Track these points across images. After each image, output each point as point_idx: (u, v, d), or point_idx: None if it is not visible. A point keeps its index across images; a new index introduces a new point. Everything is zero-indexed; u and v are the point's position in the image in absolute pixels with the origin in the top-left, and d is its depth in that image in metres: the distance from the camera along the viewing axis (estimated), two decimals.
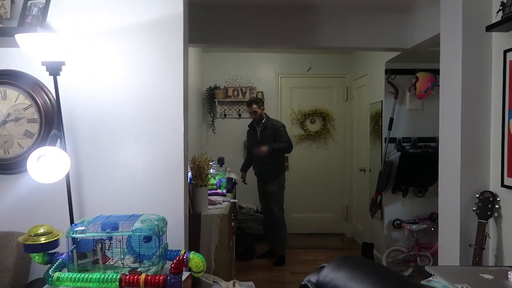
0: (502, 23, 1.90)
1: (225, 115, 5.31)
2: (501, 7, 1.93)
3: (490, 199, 2.02)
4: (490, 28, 2.00)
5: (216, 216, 2.72)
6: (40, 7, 1.87)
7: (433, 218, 3.77)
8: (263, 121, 4.28)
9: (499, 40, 2.06)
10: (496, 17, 2.03)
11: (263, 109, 4.33)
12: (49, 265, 1.57)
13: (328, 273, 0.61)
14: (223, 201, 3.14)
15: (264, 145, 4.18)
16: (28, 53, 1.70)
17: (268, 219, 4.44)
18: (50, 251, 1.61)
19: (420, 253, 3.72)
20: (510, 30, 1.95)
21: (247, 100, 4.52)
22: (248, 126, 4.51)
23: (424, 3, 3.04)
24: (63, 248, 1.59)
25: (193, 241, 2.57)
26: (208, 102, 5.27)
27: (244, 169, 4.62)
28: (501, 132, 2.03)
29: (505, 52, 1.99)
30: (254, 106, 4.26)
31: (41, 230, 1.60)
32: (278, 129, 4.28)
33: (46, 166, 1.63)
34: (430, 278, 1.29)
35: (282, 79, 5.41)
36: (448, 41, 2.28)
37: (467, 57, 2.12)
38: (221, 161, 4.40)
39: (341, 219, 5.49)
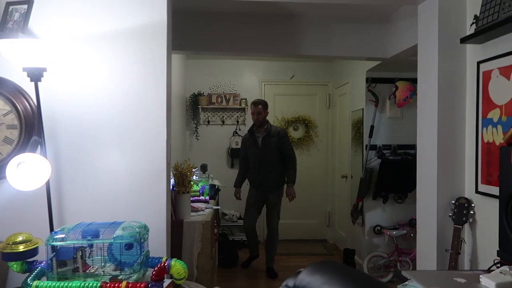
0: (476, 36, 1.98)
1: (208, 121, 5.32)
2: (475, 20, 2.01)
3: (465, 205, 2.08)
4: (464, 40, 2.08)
5: (198, 223, 2.71)
6: (22, 12, 1.86)
7: (413, 224, 3.84)
8: (265, 126, 4.03)
9: (473, 52, 2.14)
10: (470, 30, 2.12)
11: (267, 113, 4.09)
12: (27, 274, 1.55)
13: (304, 277, 0.64)
14: (206, 208, 3.14)
15: (289, 187, 4.05)
16: (9, 59, 1.69)
17: (252, 228, 4.20)
18: (28, 260, 1.59)
19: (400, 258, 3.79)
20: (483, 42, 2.04)
21: (254, 100, 4.14)
22: (248, 132, 4.19)
23: (403, 14, 3.13)
24: (42, 256, 1.57)
25: (175, 248, 2.56)
26: (192, 109, 5.27)
27: (239, 184, 4.30)
28: (475, 140, 2.10)
29: (479, 63, 2.08)
30: (260, 107, 4.00)
31: (20, 238, 1.58)
32: (283, 137, 4.05)
33: (26, 173, 1.61)
34: (406, 283, 1.33)
35: (266, 86, 5.46)
36: (424, 52, 2.36)
37: (442, 67, 2.20)
38: (204, 168, 4.39)
39: (323, 225, 5.54)
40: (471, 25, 2.07)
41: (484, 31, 1.91)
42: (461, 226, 2.07)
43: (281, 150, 3.99)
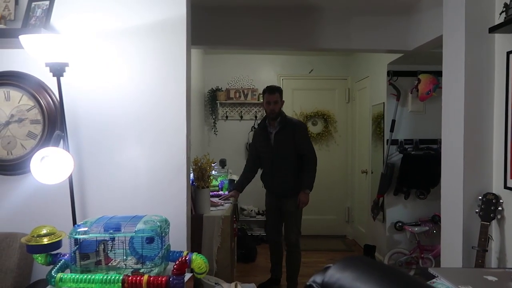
0: (505, 25, 1.90)
1: (226, 116, 5.32)
2: (504, 9, 1.93)
3: (493, 201, 2.01)
4: (493, 29, 2.00)
5: (218, 218, 2.72)
6: (44, 8, 1.88)
7: (435, 220, 3.76)
8: (278, 119, 3.29)
9: (502, 42, 2.06)
10: (499, 19, 2.03)
11: (283, 103, 3.36)
12: (51, 266, 1.57)
13: (334, 273, 0.61)
14: (225, 203, 3.14)
15: (303, 192, 3.25)
16: (32, 54, 1.71)
17: (277, 245, 3.54)
18: (52, 252, 1.61)
19: (422, 255, 3.71)
20: None
21: (267, 87, 3.37)
22: (258, 126, 3.56)
23: (426, 5, 3.04)
24: (66, 249, 1.59)
25: (195, 243, 2.57)
26: (210, 104, 5.27)
27: (240, 188, 3.47)
28: (504, 134, 2.02)
29: (508, 53, 1.99)
30: (277, 94, 3.27)
31: (44, 231, 1.60)
32: (300, 131, 3.30)
33: (50, 167, 1.63)
34: (434, 280, 1.29)
35: (284, 81, 5.42)
36: (450, 43, 2.28)
37: (469, 58, 2.12)
38: (223, 163, 4.40)
39: (343, 221, 5.48)
40: (500, 13, 1.99)
41: None
42: (488, 223, 2.00)
43: (297, 147, 3.27)
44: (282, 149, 3.28)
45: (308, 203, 3.30)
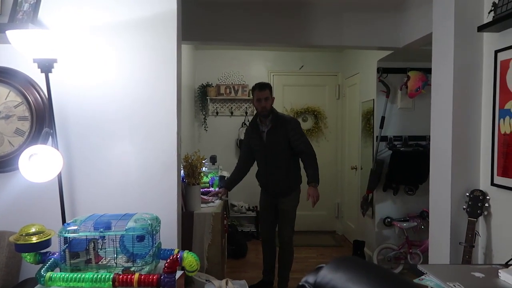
0: (494, 24, 1.92)
1: (217, 112, 5.30)
2: (493, 8, 1.95)
3: (480, 197, 2.04)
4: (481, 28, 2.02)
5: (209, 215, 2.72)
6: (31, 3, 1.84)
7: (423, 216, 3.81)
8: (270, 117, 3.19)
9: (490, 40, 2.08)
10: (487, 18, 2.05)
11: (273, 99, 3.25)
12: (41, 265, 1.56)
13: (326, 274, 0.62)
14: (214, 200, 3.14)
15: (312, 188, 3.13)
16: (19, 50, 1.68)
17: (271, 245, 3.46)
18: (42, 251, 1.60)
19: (410, 250, 3.76)
20: (501, 30, 1.97)
21: (257, 84, 3.25)
22: (249, 124, 3.45)
23: (416, 2, 3.06)
24: (55, 247, 1.57)
25: (186, 240, 2.56)
26: (200, 100, 5.25)
27: (229, 185, 3.39)
28: (491, 131, 2.05)
29: (496, 52, 2.02)
30: (268, 91, 3.16)
31: (33, 230, 1.58)
32: (293, 128, 3.18)
33: (38, 165, 1.61)
34: (422, 277, 1.31)
35: (275, 76, 5.41)
36: (439, 41, 2.30)
37: (458, 56, 2.14)
38: (213, 159, 4.39)
39: (333, 217, 5.52)
40: (489, 12, 2.01)
41: (503, 18, 1.85)
42: (475, 219, 2.04)
43: (292, 145, 3.17)
44: (276, 147, 3.19)
45: (319, 197, 3.19)
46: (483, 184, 2.13)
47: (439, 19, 2.31)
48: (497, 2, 1.92)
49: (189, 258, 1.57)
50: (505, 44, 1.96)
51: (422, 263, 3.65)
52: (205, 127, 5.26)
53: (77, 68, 1.96)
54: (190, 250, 1.65)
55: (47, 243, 1.58)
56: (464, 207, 2.09)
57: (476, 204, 2.05)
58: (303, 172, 3.32)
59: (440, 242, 2.26)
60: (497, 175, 2.01)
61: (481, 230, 2.11)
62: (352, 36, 3.34)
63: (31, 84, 1.94)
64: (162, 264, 1.61)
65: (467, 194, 2.10)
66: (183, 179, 2.74)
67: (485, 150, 2.12)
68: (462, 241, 2.06)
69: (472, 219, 2.04)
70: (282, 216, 3.32)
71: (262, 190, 3.45)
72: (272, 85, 5.22)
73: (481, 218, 2.10)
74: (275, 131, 3.17)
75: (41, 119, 1.93)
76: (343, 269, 0.60)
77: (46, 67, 1.73)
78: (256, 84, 3.25)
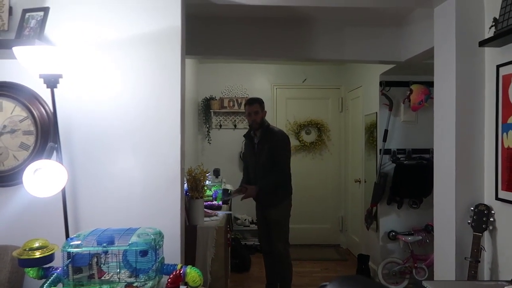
0: (495, 39, 1.94)
1: (220, 125, 5.32)
2: (494, 23, 1.97)
3: (485, 212, 2.03)
4: (483, 43, 2.03)
5: (212, 228, 2.71)
6: (38, 19, 1.88)
7: (428, 229, 3.78)
8: (260, 129, 3.35)
9: (492, 55, 2.09)
10: (488, 33, 2.07)
11: (265, 113, 3.41)
12: (43, 280, 1.55)
13: None
14: (219, 213, 3.13)
15: (253, 186, 3.29)
16: (25, 66, 1.70)
17: (270, 255, 3.48)
18: (45, 266, 1.59)
19: (416, 265, 3.72)
20: (502, 45, 1.99)
21: (247, 99, 3.51)
22: (244, 136, 3.62)
23: (418, 17, 3.09)
24: (58, 262, 1.57)
25: (189, 254, 2.55)
26: (204, 113, 5.27)
27: (245, 182, 3.59)
28: (494, 145, 2.05)
29: (498, 66, 2.03)
30: (257, 105, 3.33)
31: (36, 244, 1.58)
32: (277, 140, 3.31)
33: (43, 179, 1.62)
34: None
35: (278, 90, 5.44)
36: (442, 55, 2.32)
37: (460, 71, 2.16)
38: (216, 172, 4.39)
39: (337, 230, 5.48)
40: (490, 28, 2.03)
41: (504, 34, 1.86)
42: (480, 234, 2.02)
43: (275, 160, 3.27)
44: (264, 158, 3.31)
45: (249, 197, 3.31)
46: (488, 198, 2.11)
47: (441, 34, 2.32)
48: (497, 18, 1.94)
49: (192, 274, 1.56)
50: (507, 59, 1.97)
51: (428, 277, 3.60)
52: (208, 140, 5.28)
53: (82, 83, 1.99)
54: (193, 265, 1.65)
55: (50, 258, 1.58)
56: (469, 221, 2.07)
57: (481, 219, 2.03)
58: (292, 183, 3.46)
59: (445, 257, 2.24)
60: (502, 189, 2.00)
61: (487, 245, 2.09)
62: (354, 50, 3.36)
63: (36, 98, 1.96)
64: (165, 279, 1.60)
65: (472, 208, 2.09)
66: (186, 192, 2.74)
67: (489, 164, 2.12)
68: (468, 256, 2.04)
69: (477, 233, 2.02)
70: (274, 228, 3.36)
71: (256, 202, 3.53)
72: (275, 99, 5.33)
73: (486, 233, 2.08)
74: (264, 142, 3.34)
75: (45, 134, 1.95)
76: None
77: (52, 83, 1.75)
78: (247, 99, 3.49)
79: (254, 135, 3.43)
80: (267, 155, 3.29)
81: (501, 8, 1.92)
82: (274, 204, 3.33)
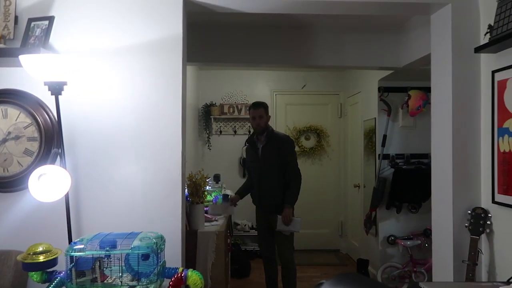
0: (490, 45, 1.98)
1: (220, 131, 5.35)
2: (489, 30, 2.01)
3: (482, 215, 2.06)
4: (478, 49, 2.07)
5: (212, 233, 2.73)
6: (43, 28, 1.92)
7: (427, 234, 3.80)
8: (265, 133, 3.34)
9: (487, 61, 2.13)
10: (484, 39, 2.11)
11: (269, 118, 3.42)
12: (47, 284, 1.58)
13: None
14: (219, 218, 3.16)
15: (285, 208, 3.23)
16: (31, 73, 1.74)
17: (271, 262, 3.48)
18: (48, 270, 1.62)
19: (415, 269, 3.74)
20: (498, 51, 2.03)
21: (252, 103, 3.45)
22: (246, 141, 3.60)
23: (415, 24, 3.14)
24: (62, 266, 1.59)
25: (189, 259, 2.57)
26: (204, 119, 5.31)
27: (241, 193, 3.59)
28: (491, 149, 2.08)
29: (493, 72, 2.07)
30: (262, 109, 3.32)
31: (40, 249, 1.61)
32: (285, 144, 3.34)
33: (47, 184, 1.65)
34: None
35: (277, 96, 5.49)
36: (438, 62, 2.36)
37: (456, 77, 2.19)
38: (217, 178, 4.41)
39: (336, 235, 5.49)
40: (485, 34, 2.07)
41: (499, 40, 1.90)
42: (478, 237, 2.05)
43: (282, 161, 3.30)
44: (269, 163, 3.31)
45: (289, 219, 3.24)
46: (485, 202, 2.14)
47: (437, 40, 2.37)
48: (492, 25, 1.98)
49: (194, 277, 1.59)
50: (502, 64, 2.01)
51: (427, 281, 3.62)
52: (208, 145, 5.31)
53: (86, 91, 2.02)
54: (193, 269, 1.67)
55: (53, 262, 1.61)
56: (466, 225, 2.10)
57: (478, 222, 2.06)
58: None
59: (443, 260, 2.26)
60: (498, 192, 2.03)
61: (484, 248, 2.12)
62: (353, 57, 3.41)
63: (41, 105, 2.00)
64: (166, 282, 1.63)
65: (469, 212, 2.11)
66: (187, 197, 2.77)
67: (485, 168, 2.15)
68: (465, 259, 2.06)
69: (474, 237, 2.05)
70: (278, 234, 3.33)
71: (257, 208, 3.51)
72: (274, 104, 5.37)
73: (483, 236, 2.11)
74: (269, 147, 3.33)
75: (49, 140, 1.98)
76: (342, 285, 0.63)
77: (57, 90, 1.78)
78: (252, 103, 3.45)
79: (257, 140, 3.41)
80: (275, 161, 3.29)
81: (496, 15, 1.96)
82: (279, 211, 3.27)
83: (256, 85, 5.45)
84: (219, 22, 3.24)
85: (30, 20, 1.94)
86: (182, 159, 2.08)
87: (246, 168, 3.72)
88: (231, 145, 5.33)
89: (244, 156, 5.24)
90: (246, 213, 4.87)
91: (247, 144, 3.58)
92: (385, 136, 4.00)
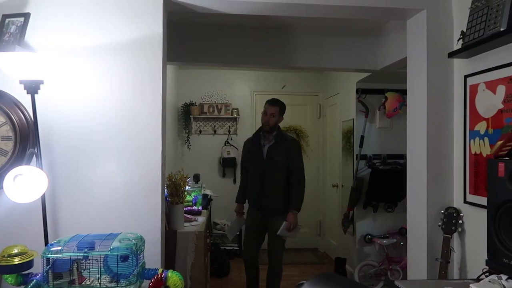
0: (462, 51, 2.05)
1: (200, 131, 5.34)
2: (461, 36, 2.08)
3: (454, 214, 2.13)
4: (452, 54, 2.15)
5: (192, 233, 2.72)
6: (18, 25, 1.88)
7: (403, 232, 3.90)
8: (274, 133, 3.26)
9: (460, 66, 2.21)
10: (457, 45, 2.18)
11: (281, 119, 3.32)
12: (22, 286, 1.55)
13: None
14: (198, 218, 3.15)
15: (291, 213, 3.18)
16: (6, 71, 1.70)
17: (254, 268, 3.41)
18: (23, 272, 1.59)
19: (391, 267, 3.83)
20: (470, 57, 2.10)
21: (270, 99, 3.35)
22: (253, 135, 3.45)
23: (392, 28, 3.21)
24: (38, 268, 1.57)
25: (169, 259, 2.56)
26: (184, 118, 5.28)
27: (240, 199, 3.51)
28: (463, 151, 2.16)
29: (466, 77, 2.14)
30: (277, 108, 3.24)
31: (15, 251, 1.58)
32: (293, 147, 3.29)
33: (23, 185, 1.61)
34: None
35: (257, 96, 5.51)
36: (413, 65, 2.43)
37: (431, 80, 2.26)
38: (196, 178, 4.39)
39: (315, 234, 5.56)
40: (458, 40, 2.14)
41: (471, 46, 1.97)
42: (450, 235, 2.12)
43: (289, 164, 3.23)
44: (275, 164, 3.21)
45: (296, 225, 3.22)
46: (457, 201, 2.22)
47: (413, 45, 2.43)
48: (465, 31, 2.05)
49: (174, 278, 1.59)
50: (474, 69, 2.09)
51: (402, 279, 3.71)
52: (188, 145, 5.28)
53: (63, 89, 1.99)
54: (173, 270, 1.67)
55: (29, 264, 1.58)
56: (440, 224, 2.17)
57: (450, 221, 2.13)
58: None
59: (417, 258, 2.33)
60: (469, 193, 2.11)
61: (456, 246, 2.20)
62: (332, 59, 3.46)
63: (16, 104, 1.95)
64: (146, 283, 1.62)
65: (442, 211, 2.19)
66: (166, 198, 2.75)
67: (458, 169, 2.22)
68: (439, 257, 2.13)
69: (447, 235, 2.12)
70: (274, 237, 3.26)
71: (251, 208, 3.39)
72: (254, 104, 5.39)
73: (455, 235, 2.18)
74: (277, 148, 3.24)
75: (24, 139, 1.93)
76: (321, 285, 0.65)
77: (33, 89, 1.75)
78: (270, 99, 3.36)
79: (263, 137, 3.30)
80: (281, 163, 3.20)
81: (468, 22, 2.03)
82: (278, 214, 3.21)
83: (236, 85, 5.46)
84: (199, 22, 3.23)
85: (5, 17, 1.90)
86: (162, 159, 2.07)
87: (243, 166, 3.54)
88: (211, 144, 5.32)
89: (224, 156, 5.25)
90: (226, 213, 4.88)
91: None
92: (362, 137, 4.08)
